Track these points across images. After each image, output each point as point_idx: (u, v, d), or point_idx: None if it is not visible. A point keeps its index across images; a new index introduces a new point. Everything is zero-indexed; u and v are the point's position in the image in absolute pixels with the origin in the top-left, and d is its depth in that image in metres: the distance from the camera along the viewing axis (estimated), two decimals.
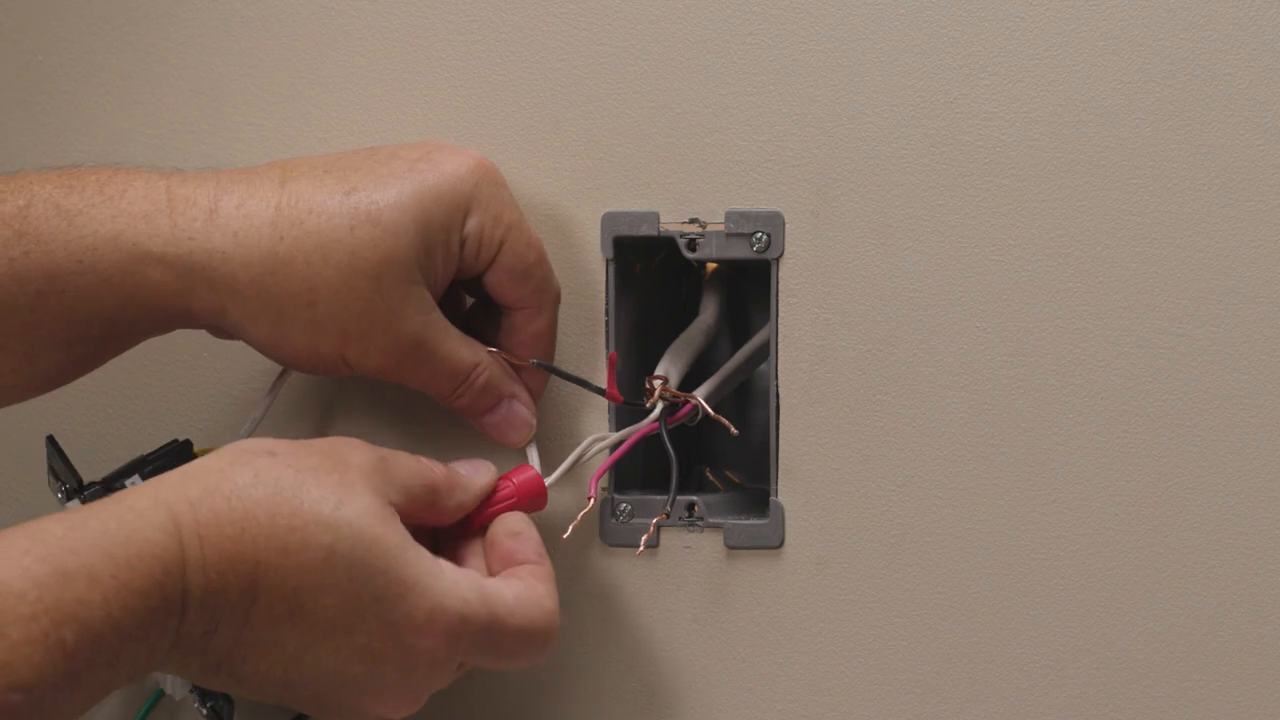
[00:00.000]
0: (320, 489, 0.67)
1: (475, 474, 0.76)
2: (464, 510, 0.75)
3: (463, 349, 0.77)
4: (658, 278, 0.87)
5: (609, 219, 0.82)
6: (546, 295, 0.79)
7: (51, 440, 0.78)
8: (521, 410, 0.80)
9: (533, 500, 0.78)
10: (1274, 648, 0.79)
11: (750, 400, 0.91)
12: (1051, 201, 0.79)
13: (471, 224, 0.76)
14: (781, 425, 0.81)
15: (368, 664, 0.69)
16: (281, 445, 0.69)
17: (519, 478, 0.78)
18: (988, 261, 0.79)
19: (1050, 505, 0.80)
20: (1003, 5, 0.79)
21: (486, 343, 0.79)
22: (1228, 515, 0.79)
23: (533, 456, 0.80)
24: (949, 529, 0.80)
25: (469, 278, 0.78)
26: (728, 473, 0.90)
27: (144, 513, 0.64)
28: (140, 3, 0.85)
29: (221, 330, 0.76)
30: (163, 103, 0.85)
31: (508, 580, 0.72)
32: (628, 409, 0.81)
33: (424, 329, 0.75)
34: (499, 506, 0.77)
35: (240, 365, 0.84)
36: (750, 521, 0.82)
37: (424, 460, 0.74)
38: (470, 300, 0.82)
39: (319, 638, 0.67)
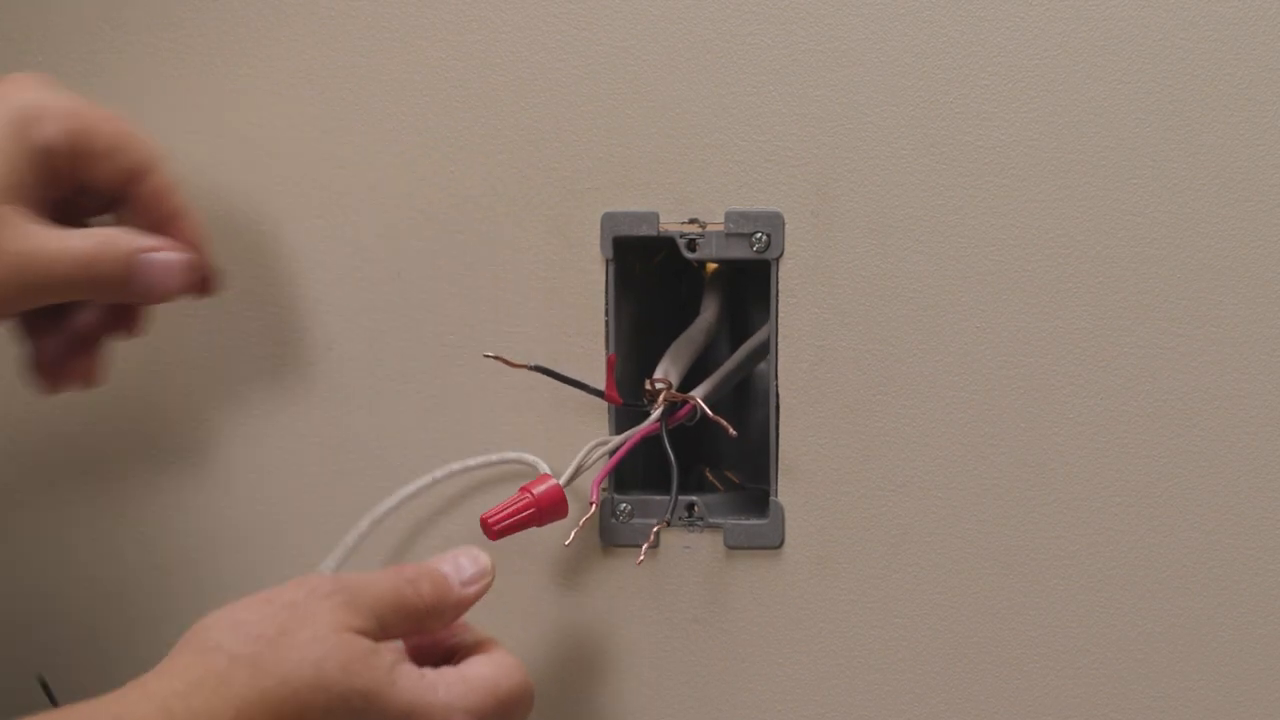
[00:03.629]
0: (297, 652, 0.67)
1: (467, 584, 0.75)
2: (449, 625, 0.75)
3: (73, 239, 0.75)
4: (657, 278, 0.87)
5: (609, 219, 0.82)
6: (140, 156, 0.77)
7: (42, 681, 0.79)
8: (166, 258, 0.77)
9: (554, 510, 0.78)
10: (1274, 648, 0.79)
11: (750, 400, 0.91)
12: (1051, 201, 0.79)
13: (40, 133, 0.74)
14: (781, 425, 0.81)
15: None
16: (242, 610, 0.69)
17: (538, 489, 0.78)
18: (988, 261, 0.79)
19: (1049, 505, 0.80)
20: (1003, 5, 0.79)
21: None
22: (1228, 515, 0.79)
23: (542, 466, 0.80)
24: (949, 529, 0.80)
25: (74, 188, 0.76)
26: (728, 473, 0.90)
27: (136, 708, 0.65)
28: (140, 3, 0.85)
29: None
30: (164, 104, 0.85)
31: (481, 660, 0.73)
32: (628, 409, 0.81)
33: (23, 241, 0.73)
34: (519, 519, 0.77)
35: None
36: (750, 521, 0.82)
37: (409, 585, 0.73)
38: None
39: None
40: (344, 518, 0.84)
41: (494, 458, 0.82)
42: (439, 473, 0.82)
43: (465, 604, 0.74)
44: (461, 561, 0.75)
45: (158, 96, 0.85)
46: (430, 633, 0.74)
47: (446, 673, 0.71)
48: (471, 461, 0.82)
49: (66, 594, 0.87)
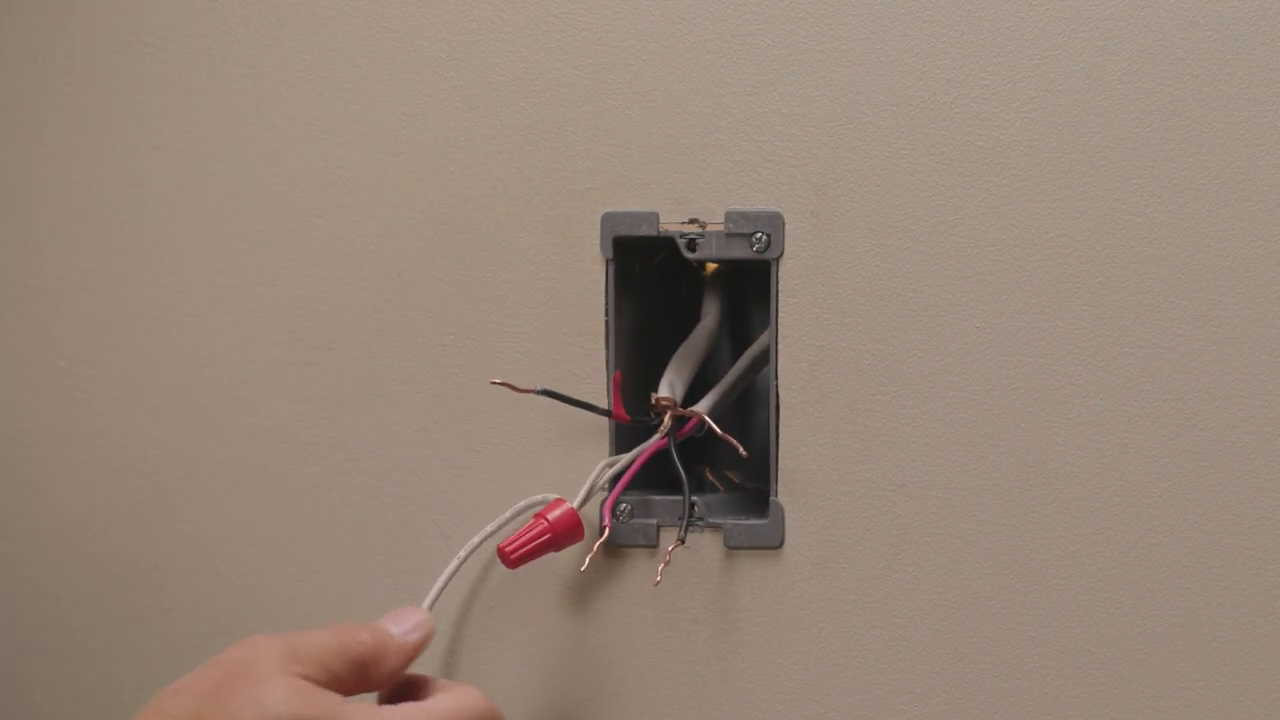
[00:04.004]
0: (241, 695, 0.67)
1: (408, 633, 0.74)
2: (398, 674, 0.74)
3: None
4: (657, 278, 0.87)
5: (609, 219, 0.82)
6: None
7: None
8: None
9: (570, 535, 0.78)
10: (1274, 648, 0.79)
11: (750, 400, 0.91)
12: (1051, 201, 0.79)
13: None
14: (781, 425, 0.81)
15: None
16: (183, 680, 0.69)
17: (553, 514, 0.78)
18: (988, 261, 0.79)
19: (1049, 505, 0.80)
20: (1003, 5, 0.79)
21: None
22: (1228, 515, 0.79)
23: (551, 495, 0.80)
24: (949, 529, 0.80)
25: None
26: (727, 473, 0.90)
27: None
28: (142, 4, 0.85)
29: None
30: (164, 104, 0.85)
31: (442, 696, 0.73)
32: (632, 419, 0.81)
33: None
34: (536, 545, 0.77)
35: None
36: (750, 521, 0.82)
37: (348, 633, 0.72)
38: None
39: None
40: (343, 518, 0.84)
41: (508, 515, 0.80)
42: (463, 552, 0.80)
43: (408, 650, 0.74)
44: (401, 617, 0.75)
45: (158, 96, 0.85)
46: (381, 683, 0.73)
47: (405, 705, 0.71)
48: (490, 527, 0.80)
49: (64, 596, 0.87)
